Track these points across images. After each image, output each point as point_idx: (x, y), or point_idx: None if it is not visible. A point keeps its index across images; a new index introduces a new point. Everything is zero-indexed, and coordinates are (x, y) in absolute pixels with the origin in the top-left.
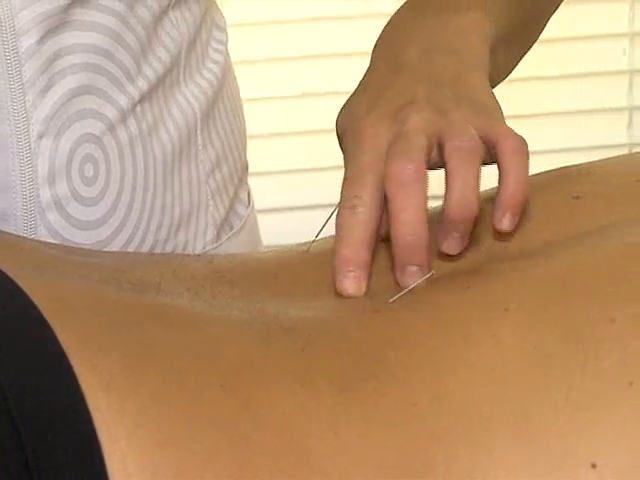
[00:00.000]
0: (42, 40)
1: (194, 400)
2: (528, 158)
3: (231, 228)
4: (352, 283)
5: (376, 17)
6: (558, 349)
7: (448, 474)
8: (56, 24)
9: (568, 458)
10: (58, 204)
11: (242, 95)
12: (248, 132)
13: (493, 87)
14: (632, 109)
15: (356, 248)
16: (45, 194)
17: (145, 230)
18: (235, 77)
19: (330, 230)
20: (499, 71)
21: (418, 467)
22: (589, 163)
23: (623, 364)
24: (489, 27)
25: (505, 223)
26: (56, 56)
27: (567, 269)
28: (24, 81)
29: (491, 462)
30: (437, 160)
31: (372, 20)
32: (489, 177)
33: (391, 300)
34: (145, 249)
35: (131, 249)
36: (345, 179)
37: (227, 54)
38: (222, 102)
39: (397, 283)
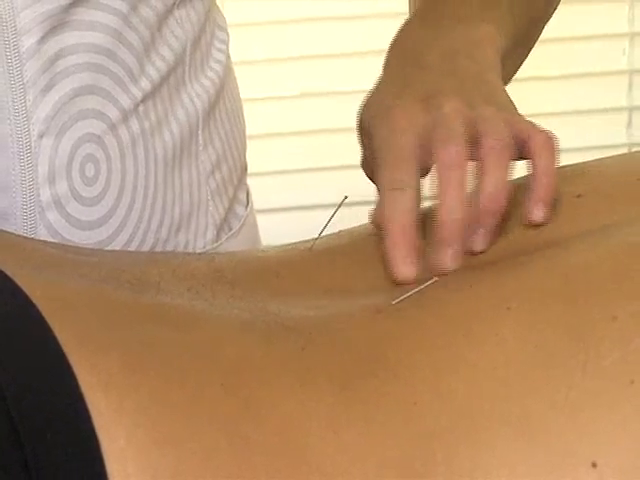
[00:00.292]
0: (43, 40)
1: (194, 399)
2: (557, 153)
3: (230, 228)
4: (409, 268)
5: (376, 17)
6: (559, 348)
7: (449, 473)
8: (57, 24)
9: (568, 457)
10: (58, 204)
11: (241, 95)
12: (247, 132)
13: None
14: (632, 109)
15: (410, 232)
16: (45, 194)
17: (145, 230)
18: (235, 77)
19: (332, 229)
20: (504, 80)
21: (418, 466)
22: (583, 163)
23: (624, 362)
24: (499, 40)
25: (538, 214)
26: (57, 56)
27: (569, 267)
28: (25, 80)
29: (492, 461)
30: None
31: (372, 20)
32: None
33: (394, 302)
34: (145, 249)
35: (131, 249)
36: (385, 162)
37: (228, 54)
38: (223, 102)
39: (397, 283)
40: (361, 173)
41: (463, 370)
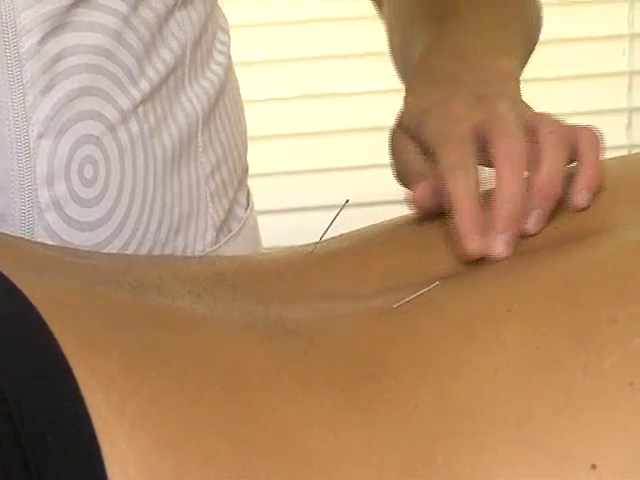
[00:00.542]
0: (43, 40)
1: (194, 401)
2: (602, 148)
3: (229, 231)
4: (479, 243)
5: (377, 19)
6: (560, 350)
7: (450, 476)
8: (58, 24)
9: (569, 459)
10: (57, 205)
11: (242, 97)
12: (249, 134)
13: None
14: (631, 110)
15: (477, 209)
16: (44, 195)
17: (144, 232)
18: (237, 79)
19: (333, 231)
20: None
21: (420, 469)
22: None
23: (624, 364)
24: (518, 71)
25: (581, 200)
26: (58, 57)
27: (570, 269)
28: (24, 81)
29: (493, 464)
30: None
31: (373, 22)
32: None
33: (395, 305)
34: (144, 251)
35: (130, 250)
36: (445, 146)
37: (229, 56)
38: (223, 104)
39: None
40: (362, 174)
41: (464, 373)
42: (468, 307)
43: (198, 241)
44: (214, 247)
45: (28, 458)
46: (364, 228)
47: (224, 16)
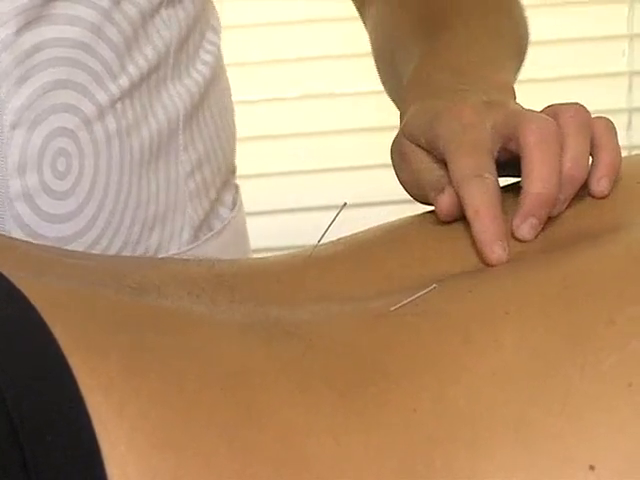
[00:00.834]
0: (20, 32)
1: (194, 403)
2: (616, 134)
3: (210, 230)
4: (501, 254)
5: None
6: (558, 352)
7: (448, 479)
8: (35, 17)
9: (567, 461)
10: (27, 196)
11: (241, 97)
12: (247, 134)
13: None
14: (631, 111)
15: (498, 216)
16: (14, 185)
17: (117, 227)
18: (227, 79)
19: (333, 234)
20: None
21: (418, 473)
22: None
23: (622, 365)
24: (513, 84)
25: (601, 188)
26: (34, 49)
27: (567, 271)
28: None
29: (491, 467)
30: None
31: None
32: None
33: (393, 308)
34: (116, 246)
35: (102, 245)
36: (461, 153)
37: (219, 56)
38: (208, 104)
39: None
40: (361, 175)
41: (462, 376)
42: (466, 310)
43: (174, 239)
44: (191, 246)
45: (27, 458)
46: (362, 231)
47: (217, 16)
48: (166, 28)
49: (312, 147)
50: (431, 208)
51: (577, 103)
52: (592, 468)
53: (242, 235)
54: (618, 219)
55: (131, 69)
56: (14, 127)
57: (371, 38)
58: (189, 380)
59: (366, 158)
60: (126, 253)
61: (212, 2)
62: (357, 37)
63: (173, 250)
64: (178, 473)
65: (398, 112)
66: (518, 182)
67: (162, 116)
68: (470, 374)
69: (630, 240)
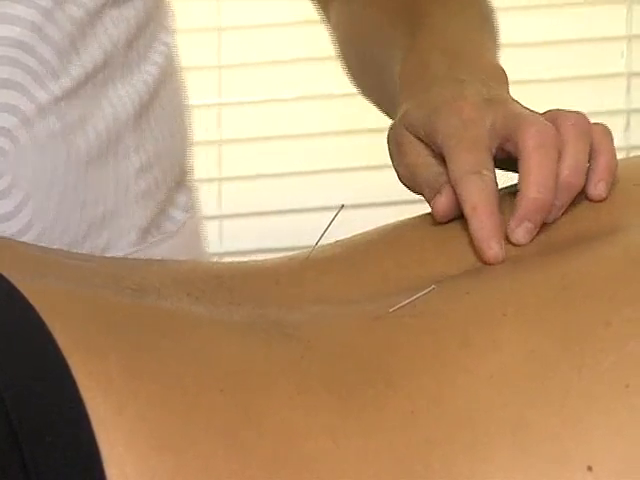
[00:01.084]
0: None
1: (193, 405)
2: (613, 139)
3: (162, 231)
4: (498, 251)
5: None
6: (555, 354)
7: None
8: None
9: (565, 462)
10: None
11: (241, 98)
12: (243, 136)
13: None
14: (630, 112)
15: (496, 213)
16: None
17: (62, 228)
18: (181, 80)
19: (330, 236)
20: None
21: (417, 475)
22: None
23: (619, 367)
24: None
25: (599, 192)
26: None
27: (565, 273)
28: None
29: (490, 469)
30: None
31: None
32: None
33: (391, 310)
34: (60, 246)
35: (44, 244)
36: (460, 149)
37: (172, 57)
38: (160, 104)
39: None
40: (360, 176)
41: (460, 378)
42: (464, 312)
43: (121, 240)
44: (139, 247)
45: (27, 459)
46: (360, 233)
47: (171, 15)
48: (114, 27)
49: (312, 148)
50: (429, 210)
51: (577, 111)
52: (590, 469)
53: (197, 238)
54: (615, 221)
55: (76, 68)
56: None
57: (337, 35)
58: (188, 382)
59: (366, 159)
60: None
61: (166, 2)
62: None
63: (121, 250)
64: (177, 474)
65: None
66: (516, 184)
67: (110, 115)
68: (468, 376)
69: (627, 242)
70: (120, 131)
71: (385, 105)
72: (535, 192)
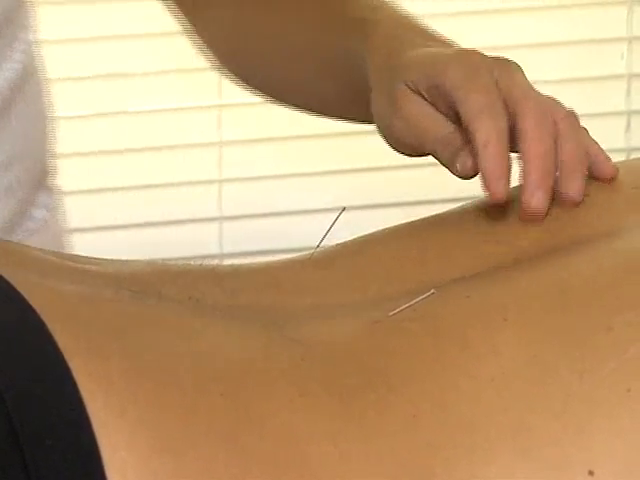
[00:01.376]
0: None
1: (193, 408)
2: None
3: (20, 228)
4: (504, 191)
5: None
6: (556, 358)
7: None
8: None
9: (566, 466)
10: None
11: (241, 100)
12: (243, 137)
13: None
14: (630, 113)
15: (505, 157)
16: None
17: None
18: (43, 81)
19: (333, 238)
20: None
21: (418, 479)
22: None
23: (620, 371)
24: None
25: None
26: None
27: (565, 277)
28: None
29: (490, 473)
30: None
31: None
32: None
33: (391, 314)
34: None
35: None
36: (472, 91)
37: (33, 57)
38: (22, 103)
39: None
40: (359, 177)
41: (461, 382)
42: (464, 316)
43: None
44: None
45: (27, 462)
46: (361, 235)
47: (33, 14)
48: None
49: (313, 149)
50: (429, 213)
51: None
52: (591, 474)
53: (59, 238)
54: (615, 225)
55: None
56: None
57: (227, 43)
58: (189, 385)
59: (367, 161)
60: None
61: (27, 2)
62: None
63: None
64: (177, 477)
65: None
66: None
67: None
68: (469, 380)
69: (628, 246)
70: None
71: (325, 97)
72: (539, 157)
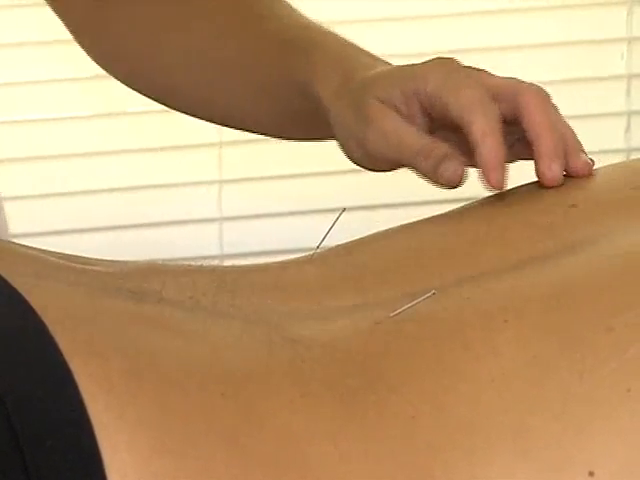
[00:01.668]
0: None
1: (194, 409)
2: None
3: None
4: (502, 179)
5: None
6: (556, 359)
7: None
8: None
9: (566, 467)
10: None
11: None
12: (243, 137)
13: None
14: (630, 114)
15: (502, 147)
16: None
17: None
18: None
19: (333, 239)
20: None
21: (417, 479)
22: None
23: (620, 372)
24: None
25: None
26: None
27: (565, 278)
28: None
29: (490, 474)
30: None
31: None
32: None
33: (392, 314)
34: None
35: None
36: (462, 86)
37: None
38: None
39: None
40: (359, 178)
41: (461, 383)
42: (464, 317)
43: None
44: None
45: (28, 463)
46: (361, 237)
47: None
48: None
49: (313, 149)
50: (429, 214)
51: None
52: (591, 475)
53: None
54: (615, 225)
55: None
56: None
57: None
58: (189, 385)
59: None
60: None
61: None
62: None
63: None
64: (178, 478)
65: None
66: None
67: None
68: (469, 381)
69: (627, 246)
70: None
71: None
72: (550, 130)
